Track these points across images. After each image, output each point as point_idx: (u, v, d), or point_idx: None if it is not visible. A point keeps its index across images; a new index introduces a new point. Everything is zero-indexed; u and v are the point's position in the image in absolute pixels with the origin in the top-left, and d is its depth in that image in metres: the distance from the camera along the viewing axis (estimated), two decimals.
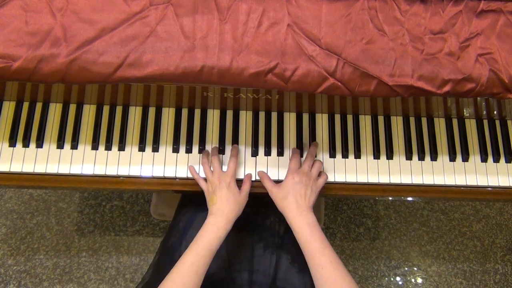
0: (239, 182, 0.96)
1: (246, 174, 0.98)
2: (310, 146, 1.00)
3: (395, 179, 1.01)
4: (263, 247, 1.01)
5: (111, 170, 0.97)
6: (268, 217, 1.06)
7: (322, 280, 0.80)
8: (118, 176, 0.98)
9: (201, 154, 1.00)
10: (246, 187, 0.94)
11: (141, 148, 0.99)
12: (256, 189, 0.98)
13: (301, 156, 1.01)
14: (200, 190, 0.99)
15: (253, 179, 0.99)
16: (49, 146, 0.98)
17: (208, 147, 1.01)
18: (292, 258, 1.00)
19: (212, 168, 0.96)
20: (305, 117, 1.04)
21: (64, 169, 0.97)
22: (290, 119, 1.04)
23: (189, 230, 1.02)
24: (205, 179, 0.96)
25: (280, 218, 1.07)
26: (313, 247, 0.83)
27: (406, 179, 1.01)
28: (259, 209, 1.07)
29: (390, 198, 1.65)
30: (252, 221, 1.05)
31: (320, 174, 0.97)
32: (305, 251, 0.84)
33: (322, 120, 1.04)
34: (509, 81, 0.79)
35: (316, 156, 1.01)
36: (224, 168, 0.98)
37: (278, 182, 1.00)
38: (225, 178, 0.92)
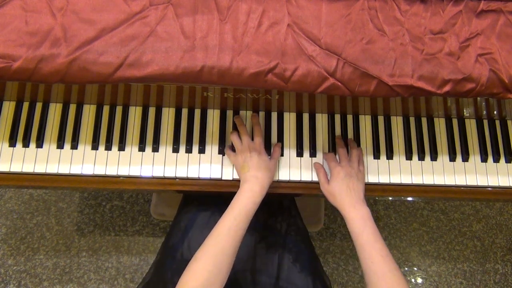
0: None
1: (274, 144, 1.00)
2: (336, 139, 1.02)
3: (395, 179, 1.01)
4: (265, 247, 1.01)
5: (111, 170, 0.97)
6: (269, 217, 1.06)
7: (371, 273, 0.80)
8: (118, 176, 0.98)
9: (201, 154, 0.99)
10: (276, 155, 0.97)
11: (141, 148, 0.99)
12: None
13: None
14: (200, 189, 0.99)
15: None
16: (49, 146, 0.98)
17: (208, 147, 1.00)
18: (293, 258, 1.00)
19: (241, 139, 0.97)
20: (305, 117, 1.04)
21: (64, 169, 0.97)
22: (290, 119, 1.04)
23: (190, 229, 1.02)
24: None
25: (282, 218, 1.07)
26: (365, 240, 0.83)
27: (406, 179, 1.01)
28: (261, 209, 1.07)
29: (390, 198, 1.65)
30: (253, 221, 1.05)
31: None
32: (356, 244, 0.85)
33: (322, 120, 1.04)
34: (509, 81, 0.79)
35: (316, 155, 1.01)
36: None
37: (278, 182, 1.00)
38: (255, 146, 0.94)
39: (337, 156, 0.99)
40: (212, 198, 1.05)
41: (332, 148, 1.02)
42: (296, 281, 0.97)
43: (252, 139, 0.96)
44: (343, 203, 0.90)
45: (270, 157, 0.96)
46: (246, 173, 0.90)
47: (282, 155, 1.01)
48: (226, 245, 0.80)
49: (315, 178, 0.99)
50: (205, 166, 0.99)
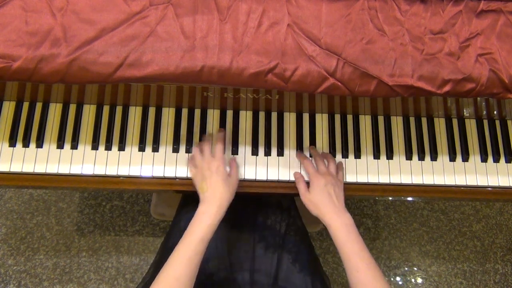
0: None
1: (229, 159, 0.97)
2: (310, 149, 1.00)
3: (395, 179, 1.01)
4: (264, 247, 1.01)
5: (111, 170, 0.97)
6: (268, 217, 1.06)
7: (357, 282, 0.80)
8: (118, 176, 0.98)
9: None
10: (234, 172, 0.94)
11: (141, 148, 0.99)
12: (257, 188, 0.99)
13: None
14: None
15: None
16: (49, 146, 0.98)
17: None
18: (293, 258, 1.00)
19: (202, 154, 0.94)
20: (305, 117, 1.04)
21: (64, 169, 0.97)
22: (290, 119, 1.04)
23: None
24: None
25: (281, 218, 1.07)
26: (350, 249, 0.83)
27: (406, 179, 1.01)
28: (260, 209, 1.07)
29: (390, 198, 1.65)
30: (253, 221, 1.05)
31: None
32: (341, 252, 0.84)
33: (322, 120, 1.04)
34: (509, 81, 0.79)
35: None
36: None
37: (278, 182, 1.00)
38: (214, 162, 0.90)
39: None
40: None
41: (332, 148, 1.02)
42: (295, 281, 0.97)
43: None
44: (325, 212, 0.88)
45: (229, 175, 0.92)
46: (205, 193, 0.87)
47: (282, 155, 1.01)
48: (182, 273, 0.78)
49: None
50: None
